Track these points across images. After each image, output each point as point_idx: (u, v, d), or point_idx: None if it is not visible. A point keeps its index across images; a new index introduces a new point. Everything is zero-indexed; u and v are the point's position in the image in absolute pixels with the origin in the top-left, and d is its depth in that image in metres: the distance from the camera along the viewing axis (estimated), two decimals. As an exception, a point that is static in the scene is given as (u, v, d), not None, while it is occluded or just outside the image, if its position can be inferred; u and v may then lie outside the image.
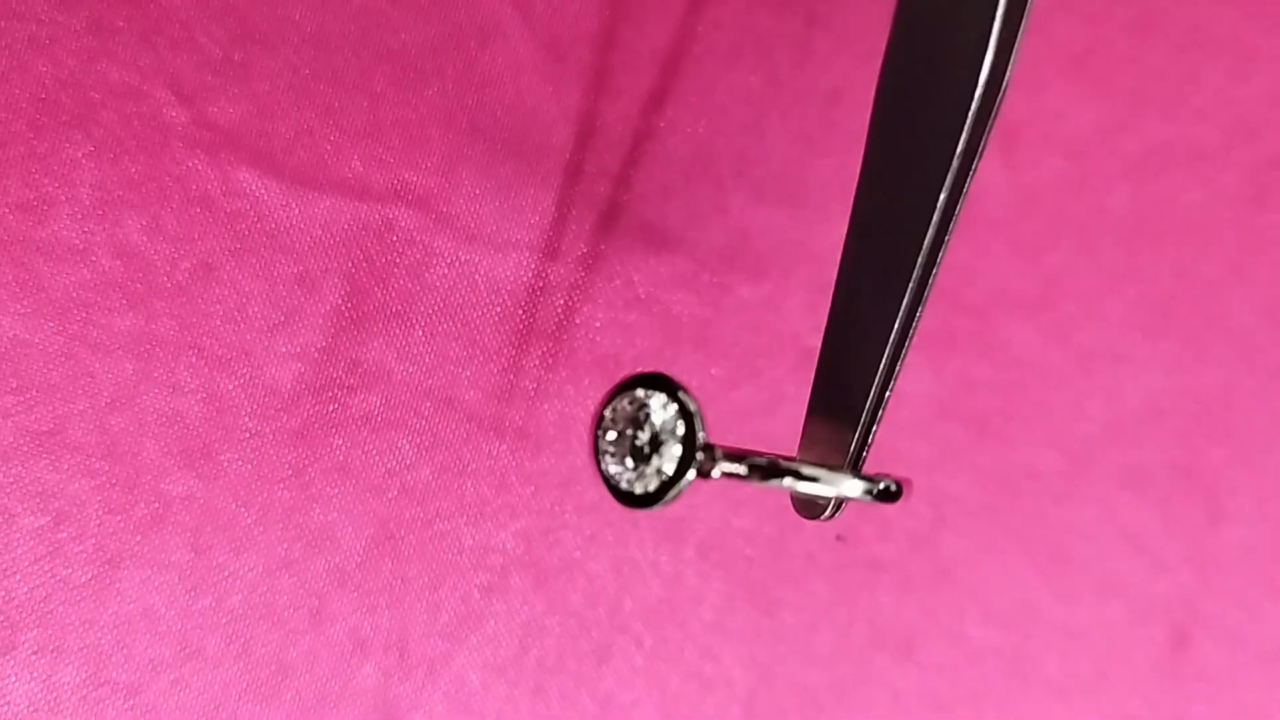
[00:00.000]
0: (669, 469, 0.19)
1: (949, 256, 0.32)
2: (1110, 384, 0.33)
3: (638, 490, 0.20)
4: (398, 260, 0.27)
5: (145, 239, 0.26)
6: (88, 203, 0.25)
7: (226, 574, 0.27)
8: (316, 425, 0.27)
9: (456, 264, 0.27)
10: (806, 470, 0.21)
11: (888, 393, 0.23)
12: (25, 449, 0.25)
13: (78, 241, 0.25)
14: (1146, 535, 0.34)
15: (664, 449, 0.20)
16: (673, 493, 0.19)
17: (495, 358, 0.28)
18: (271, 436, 0.27)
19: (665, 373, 0.20)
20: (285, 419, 0.27)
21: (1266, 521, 0.35)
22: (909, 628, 0.32)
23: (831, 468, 0.21)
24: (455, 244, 0.27)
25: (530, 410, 0.28)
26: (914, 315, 0.23)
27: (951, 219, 0.22)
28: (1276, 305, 0.34)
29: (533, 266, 0.28)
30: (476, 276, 0.28)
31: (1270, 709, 0.35)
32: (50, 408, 0.26)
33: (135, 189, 0.26)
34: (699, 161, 0.29)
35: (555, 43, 0.28)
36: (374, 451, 0.27)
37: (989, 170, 0.32)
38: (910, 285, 0.22)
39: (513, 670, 0.29)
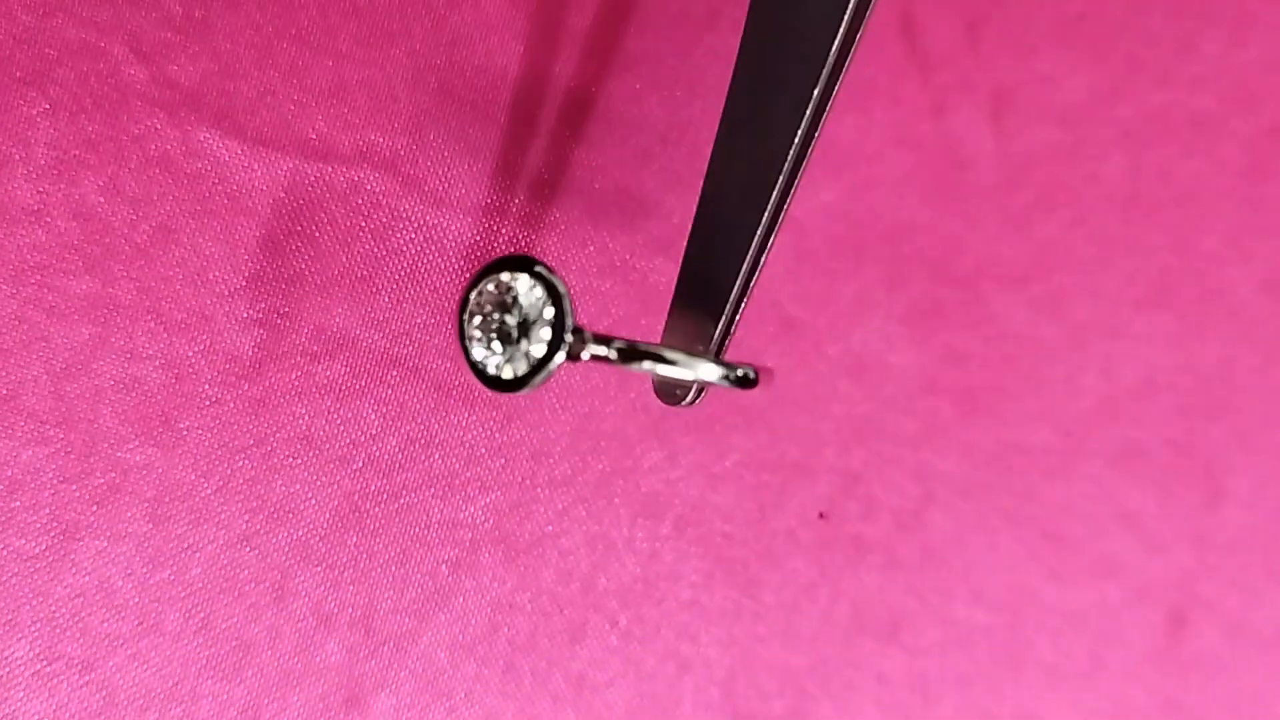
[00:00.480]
0: (538, 351, 0.20)
1: (937, 223, 0.31)
2: (1105, 359, 0.33)
3: (506, 374, 0.20)
4: (363, 224, 0.27)
5: (103, 200, 0.25)
6: (43, 162, 0.25)
7: (186, 546, 0.26)
8: (279, 394, 0.26)
9: (424, 228, 0.27)
10: (668, 354, 0.21)
11: (752, 283, 0.24)
12: (-23, 415, 0.25)
13: (33, 202, 0.25)
14: (1143, 515, 0.33)
15: (533, 331, 0.20)
16: (541, 375, 0.20)
17: (464, 325, 0.27)
18: (233, 405, 0.26)
19: (531, 255, 0.20)
20: (247, 387, 0.26)
21: (1267, 502, 0.34)
22: (895, 609, 0.32)
23: (691, 353, 0.22)
24: (423, 207, 0.27)
25: (502, 381, 0.28)
26: (780, 208, 0.24)
27: (821, 115, 0.23)
28: (1277, 279, 0.34)
29: (504, 232, 0.27)
30: (445, 241, 0.27)
31: (1269, 695, 0.34)
32: (4, 373, 0.25)
33: (93, 149, 0.25)
34: (675, 125, 0.28)
35: (526, 1, 0.27)
36: (339, 422, 0.27)
37: (977, 136, 0.31)
38: (779, 180, 0.23)
39: (483, 648, 0.28)
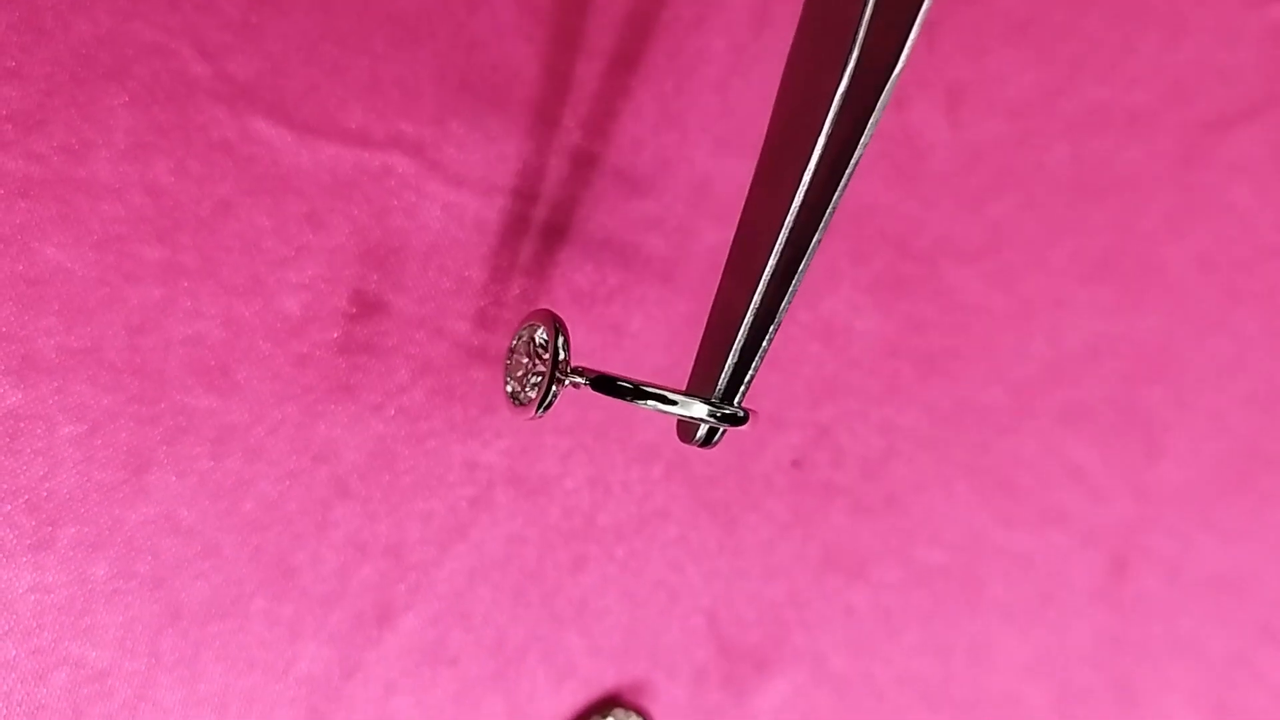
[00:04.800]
0: (540, 385, 0.27)
1: (897, 205, 0.37)
2: (1051, 327, 0.39)
3: (525, 401, 0.29)
4: (395, 202, 0.32)
5: (172, 179, 0.31)
6: (122, 147, 0.31)
7: (241, 481, 0.32)
8: (322, 349, 0.32)
9: (447, 206, 0.33)
10: (655, 391, 0.26)
11: (767, 338, 0.26)
12: (65, 365, 0.31)
13: (113, 181, 0.31)
14: (1087, 468, 0.39)
15: (536, 370, 0.29)
16: (544, 406, 0.27)
17: (482, 291, 0.33)
18: (282, 358, 0.32)
19: (550, 310, 0.27)
20: (295, 343, 0.32)
21: (1202, 458, 0.40)
22: (862, 549, 0.37)
23: (687, 393, 0.26)
24: (446, 188, 0.33)
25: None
26: (795, 272, 0.26)
27: (833, 200, 0.25)
28: (1209, 256, 0.40)
29: (515, 209, 0.33)
30: (465, 217, 0.33)
31: (1202, 632, 0.40)
32: (87, 329, 0.31)
33: (164, 135, 0.31)
34: (666, 116, 0.34)
35: (536, 8, 0.33)
36: (373, 374, 0.33)
37: (934, 127, 0.37)
38: (779, 250, 0.25)
39: (496, 575, 0.34)
